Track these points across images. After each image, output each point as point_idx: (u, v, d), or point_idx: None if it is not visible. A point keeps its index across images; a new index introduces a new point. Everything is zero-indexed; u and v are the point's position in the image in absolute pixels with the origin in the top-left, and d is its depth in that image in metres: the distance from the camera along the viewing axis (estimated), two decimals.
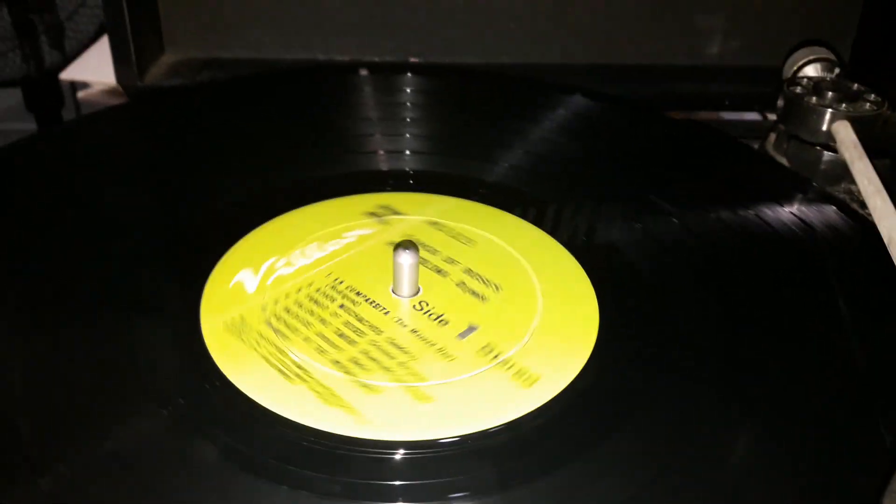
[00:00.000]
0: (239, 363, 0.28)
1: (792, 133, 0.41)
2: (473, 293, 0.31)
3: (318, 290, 0.31)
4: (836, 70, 0.44)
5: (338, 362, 0.28)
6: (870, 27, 0.51)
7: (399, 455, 0.24)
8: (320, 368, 0.27)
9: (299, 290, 0.31)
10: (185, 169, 0.38)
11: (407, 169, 0.39)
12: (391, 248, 0.31)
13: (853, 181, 0.36)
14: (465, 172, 0.39)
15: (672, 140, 0.42)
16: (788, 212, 0.35)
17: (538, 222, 0.35)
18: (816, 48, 0.45)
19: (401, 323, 0.30)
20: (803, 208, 0.35)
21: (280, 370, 0.27)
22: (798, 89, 0.41)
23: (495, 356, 0.28)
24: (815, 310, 0.31)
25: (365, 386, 0.27)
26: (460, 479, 0.24)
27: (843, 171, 0.38)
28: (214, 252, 0.33)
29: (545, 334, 0.29)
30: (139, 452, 0.24)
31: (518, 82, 0.48)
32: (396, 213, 0.36)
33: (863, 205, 0.35)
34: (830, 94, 0.40)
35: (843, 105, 0.39)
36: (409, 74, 0.45)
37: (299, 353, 0.28)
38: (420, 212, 0.36)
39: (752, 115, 0.52)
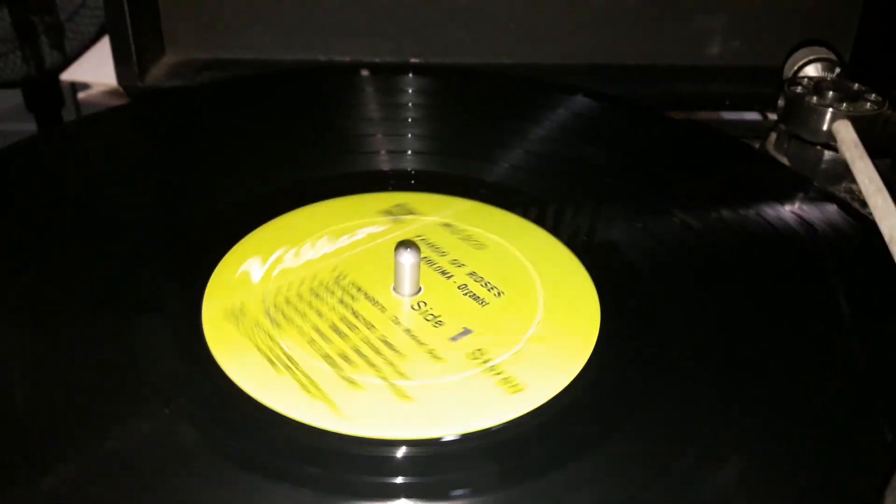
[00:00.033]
0: (231, 350, 0.28)
1: (793, 133, 0.41)
2: (474, 297, 0.31)
3: (320, 284, 0.31)
4: (837, 70, 0.44)
5: (327, 356, 0.28)
6: (870, 27, 0.51)
7: (366, 452, 0.24)
8: (309, 360, 0.28)
9: (302, 282, 0.31)
10: (185, 169, 0.38)
11: (408, 169, 0.39)
12: None
13: (854, 181, 0.36)
14: (466, 172, 0.39)
15: (674, 140, 0.42)
16: (789, 211, 0.35)
17: (539, 222, 0.35)
18: (817, 48, 0.45)
19: (396, 321, 0.30)
20: (804, 207, 0.35)
21: (269, 359, 0.28)
22: (799, 89, 0.41)
23: (485, 361, 0.28)
24: (816, 309, 0.31)
25: (350, 381, 0.27)
26: (420, 480, 0.24)
27: (843, 171, 0.38)
28: (214, 252, 0.32)
29: (540, 343, 0.29)
30: (137, 449, 0.24)
31: (518, 82, 0.48)
32: (412, 212, 0.36)
33: (864, 204, 0.35)
34: (831, 93, 0.40)
35: (844, 105, 0.39)
36: (410, 75, 0.45)
37: (291, 343, 0.28)
38: (435, 212, 0.36)
39: (753, 115, 0.52)
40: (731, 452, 0.25)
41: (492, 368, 0.27)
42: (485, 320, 0.30)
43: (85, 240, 0.33)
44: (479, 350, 0.28)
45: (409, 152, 0.40)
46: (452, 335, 0.29)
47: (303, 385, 0.26)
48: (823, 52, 0.45)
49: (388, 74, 0.46)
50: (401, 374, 0.27)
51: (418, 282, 0.31)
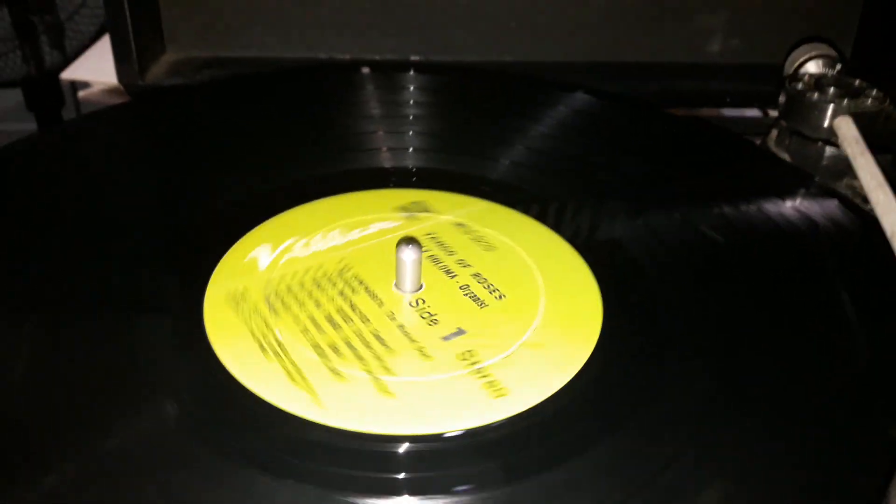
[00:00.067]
0: (226, 334, 0.28)
1: (794, 129, 0.41)
2: (474, 298, 0.31)
3: (324, 275, 0.32)
4: (838, 66, 0.44)
5: (317, 346, 0.28)
6: (871, 23, 0.50)
7: (339, 443, 0.25)
8: (298, 349, 0.28)
9: (307, 271, 0.32)
10: (184, 167, 0.38)
11: (409, 166, 0.39)
12: None
13: (855, 177, 0.36)
14: (467, 170, 0.39)
15: (676, 137, 0.42)
16: (791, 207, 0.35)
17: (540, 219, 0.35)
18: (818, 44, 0.45)
19: (391, 317, 0.30)
20: (806, 204, 0.35)
21: (261, 345, 0.28)
22: (800, 85, 0.41)
23: (473, 363, 0.28)
24: (818, 305, 0.30)
25: (335, 372, 0.27)
26: (387, 476, 0.24)
27: (845, 167, 0.38)
28: (214, 252, 0.32)
29: (534, 349, 0.28)
30: (134, 445, 0.24)
31: (520, 80, 0.47)
32: (427, 210, 0.36)
33: (865, 200, 0.35)
34: (832, 89, 0.40)
35: (845, 101, 0.39)
36: (411, 73, 0.45)
37: (284, 331, 0.29)
38: (451, 211, 0.36)
39: (753, 112, 0.52)
40: (732, 452, 0.24)
41: (479, 371, 0.27)
42: (481, 322, 0.30)
43: (85, 238, 0.33)
44: (469, 351, 0.28)
45: (411, 149, 0.40)
46: (445, 334, 0.29)
47: (289, 373, 0.27)
48: (824, 49, 0.45)
49: (388, 72, 0.46)
50: (386, 370, 0.27)
51: (419, 279, 0.31)
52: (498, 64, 0.51)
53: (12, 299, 0.29)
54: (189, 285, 0.31)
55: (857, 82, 0.41)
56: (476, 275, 0.32)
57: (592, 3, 0.51)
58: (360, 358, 0.28)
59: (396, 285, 0.31)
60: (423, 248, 0.33)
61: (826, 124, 0.39)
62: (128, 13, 0.46)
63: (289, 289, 0.31)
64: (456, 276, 0.32)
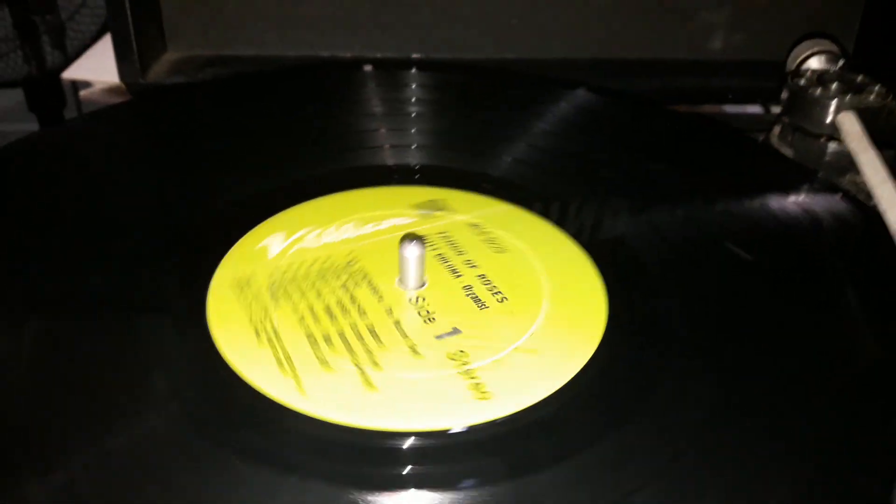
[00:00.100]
0: (225, 318, 0.29)
1: (796, 125, 0.41)
2: (476, 299, 0.30)
3: (330, 266, 0.32)
4: (841, 62, 0.44)
5: (311, 335, 0.28)
6: (873, 19, 0.50)
7: (316, 432, 0.25)
8: (292, 337, 0.28)
9: (314, 262, 0.32)
10: (187, 166, 0.38)
11: (412, 163, 0.39)
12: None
13: (858, 173, 0.36)
14: (469, 167, 0.39)
15: (678, 134, 0.42)
16: (794, 203, 0.35)
17: (543, 215, 0.35)
18: (820, 40, 0.45)
19: (389, 312, 0.30)
20: (809, 200, 0.35)
21: (256, 331, 0.28)
22: (802, 81, 0.41)
23: (463, 363, 0.27)
24: (822, 301, 0.30)
25: (323, 362, 0.27)
26: (357, 469, 0.24)
27: (848, 163, 0.38)
28: (215, 252, 0.32)
29: (528, 354, 0.28)
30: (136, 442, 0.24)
31: (522, 78, 0.47)
32: (444, 209, 0.36)
33: (869, 196, 0.35)
34: (835, 85, 0.40)
35: (848, 96, 0.39)
36: (413, 70, 0.45)
37: (281, 318, 0.29)
38: (468, 211, 0.35)
39: (755, 109, 0.52)
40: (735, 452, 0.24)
41: (467, 372, 0.27)
42: (478, 323, 0.29)
43: (85, 237, 0.32)
44: (461, 351, 0.28)
45: (414, 146, 0.40)
46: (439, 333, 0.29)
47: (279, 360, 0.27)
48: (827, 45, 0.45)
49: (390, 70, 0.46)
50: (374, 364, 0.27)
51: (422, 276, 0.31)
52: (500, 61, 0.51)
53: (14, 296, 0.29)
54: (190, 284, 0.31)
55: (859, 78, 0.40)
56: (481, 276, 0.32)
57: (594, 1, 0.51)
58: (350, 350, 0.28)
59: (399, 281, 0.31)
60: (433, 247, 0.33)
61: (829, 120, 0.39)
62: (129, 12, 0.46)
63: (294, 278, 0.31)
64: (461, 275, 0.32)
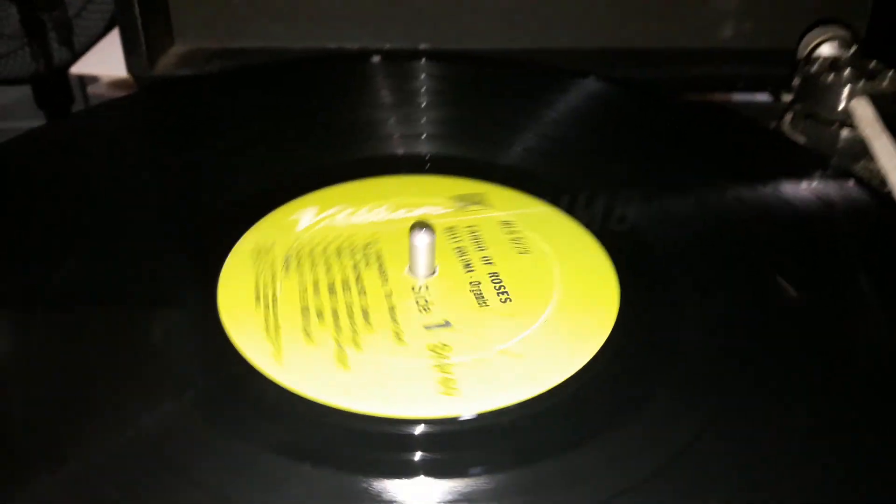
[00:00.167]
0: (234, 279, 0.30)
1: (809, 112, 0.40)
2: (479, 296, 0.30)
3: (349, 245, 0.32)
4: (853, 48, 0.44)
5: (306, 307, 0.29)
6: (886, 4, 0.50)
7: (280, 400, 0.25)
8: (288, 307, 0.29)
9: (336, 239, 0.32)
10: (194, 159, 0.38)
11: (422, 153, 0.39)
12: (445, 232, 0.33)
13: (872, 159, 0.36)
14: (480, 156, 0.38)
15: (690, 123, 0.42)
16: (808, 191, 0.34)
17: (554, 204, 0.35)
18: (832, 26, 0.45)
19: (388, 296, 0.30)
20: (823, 187, 0.35)
21: (257, 296, 0.29)
22: (814, 68, 0.41)
23: (441, 357, 0.27)
24: (836, 288, 0.30)
25: (307, 334, 0.27)
26: (309, 443, 0.24)
27: (861, 150, 0.38)
28: (224, 246, 0.32)
29: (511, 358, 0.27)
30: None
31: (532, 68, 0.47)
32: (481, 203, 0.35)
33: (883, 183, 0.35)
34: (847, 71, 0.40)
35: (861, 82, 0.39)
36: (422, 61, 0.45)
37: (284, 287, 0.30)
38: (504, 208, 0.35)
39: (765, 97, 0.51)
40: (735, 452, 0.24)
41: (443, 366, 0.27)
42: (472, 320, 0.29)
43: (92, 231, 0.32)
44: (444, 345, 0.27)
45: (424, 136, 0.40)
46: (429, 324, 0.28)
47: (267, 325, 0.28)
48: (839, 31, 0.44)
49: (397, 61, 0.46)
50: (355, 344, 0.27)
51: (431, 265, 0.31)
52: (508, 52, 0.51)
53: (15, 294, 0.29)
54: (202, 274, 0.30)
55: (872, 63, 0.40)
56: (494, 274, 0.31)
57: None
58: (337, 327, 0.28)
59: (409, 268, 0.31)
60: (456, 239, 0.33)
61: (842, 106, 0.39)
62: (136, 5, 0.46)
63: (311, 251, 0.32)
64: (473, 271, 0.31)
